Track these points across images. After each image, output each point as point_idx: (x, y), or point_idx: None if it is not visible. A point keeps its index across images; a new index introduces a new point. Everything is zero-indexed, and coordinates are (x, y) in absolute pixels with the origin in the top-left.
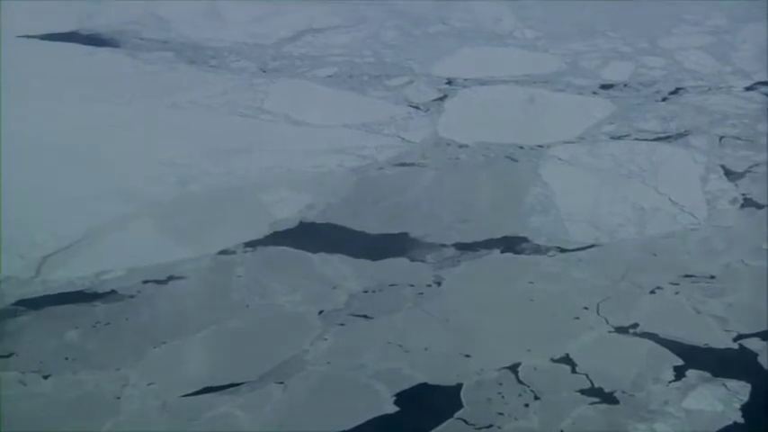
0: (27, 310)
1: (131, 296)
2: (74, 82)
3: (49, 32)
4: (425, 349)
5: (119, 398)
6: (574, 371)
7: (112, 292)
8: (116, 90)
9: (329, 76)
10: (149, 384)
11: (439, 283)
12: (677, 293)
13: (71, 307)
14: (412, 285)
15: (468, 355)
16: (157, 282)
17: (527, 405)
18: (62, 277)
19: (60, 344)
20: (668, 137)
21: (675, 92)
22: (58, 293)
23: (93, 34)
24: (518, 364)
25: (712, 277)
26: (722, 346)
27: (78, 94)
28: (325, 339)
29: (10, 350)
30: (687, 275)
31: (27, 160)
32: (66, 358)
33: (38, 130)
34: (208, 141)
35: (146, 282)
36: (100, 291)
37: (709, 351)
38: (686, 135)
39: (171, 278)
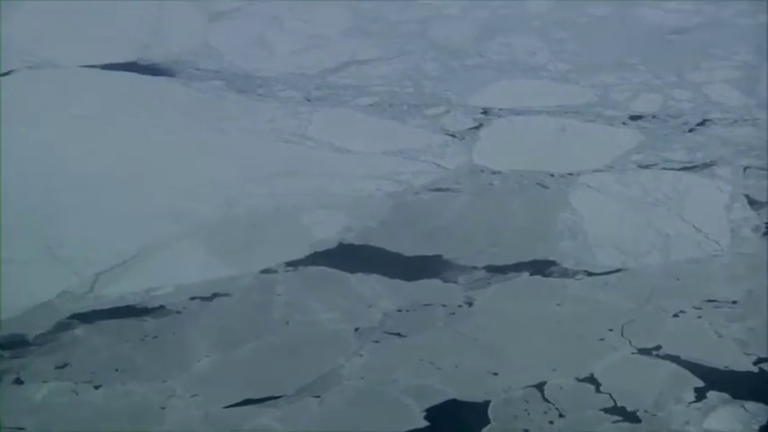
0: (80, 323)
1: (178, 312)
2: (130, 110)
3: (109, 62)
4: (455, 367)
5: (164, 408)
6: (598, 390)
7: (161, 307)
8: (169, 117)
9: (370, 105)
10: (193, 396)
11: (470, 304)
12: (700, 317)
13: (122, 321)
14: (444, 305)
15: (496, 373)
16: (203, 298)
17: (552, 422)
18: (114, 293)
19: (111, 356)
20: (694, 166)
21: (702, 123)
22: (110, 308)
23: (150, 64)
24: (544, 383)
25: (734, 302)
26: (742, 369)
27: (134, 121)
28: (361, 355)
29: (64, 361)
30: (710, 300)
31: (84, 183)
32: (117, 370)
33: (94, 155)
34: (254, 166)
35: (192, 298)
36: (149, 306)
37: (729, 373)
38: (712, 165)
39: (216, 295)
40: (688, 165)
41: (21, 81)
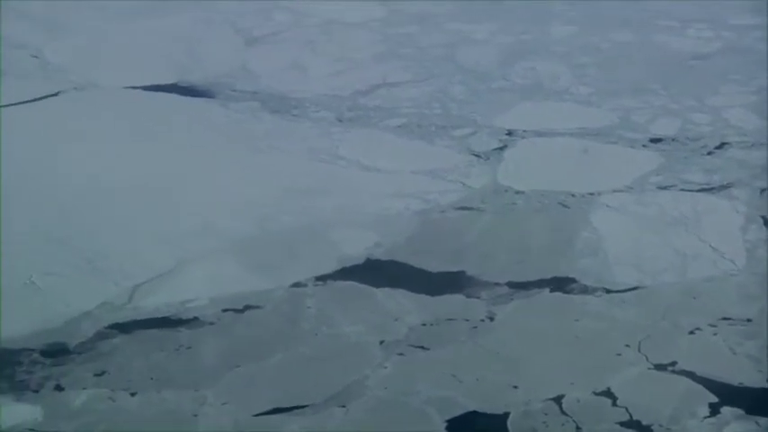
0: (118, 333)
1: (212, 323)
2: (170, 129)
3: (151, 84)
4: (477, 379)
5: (196, 415)
6: (614, 404)
7: (195, 318)
8: (207, 137)
9: (399, 126)
10: (224, 404)
11: (492, 319)
12: (715, 334)
13: (158, 331)
14: (467, 320)
15: (515, 386)
16: (235, 310)
17: None
18: (151, 304)
19: (147, 364)
20: (712, 188)
21: (720, 146)
22: (147, 319)
23: (190, 86)
24: (562, 396)
25: (749, 320)
26: (756, 386)
27: (173, 140)
28: (385, 367)
29: (102, 369)
30: (725, 318)
31: (125, 199)
32: (152, 378)
33: (135, 172)
34: (286, 184)
35: (225, 310)
36: (184, 317)
37: (743, 390)
38: (729, 187)
39: (248, 307)
40: (706, 186)
41: (67, 102)
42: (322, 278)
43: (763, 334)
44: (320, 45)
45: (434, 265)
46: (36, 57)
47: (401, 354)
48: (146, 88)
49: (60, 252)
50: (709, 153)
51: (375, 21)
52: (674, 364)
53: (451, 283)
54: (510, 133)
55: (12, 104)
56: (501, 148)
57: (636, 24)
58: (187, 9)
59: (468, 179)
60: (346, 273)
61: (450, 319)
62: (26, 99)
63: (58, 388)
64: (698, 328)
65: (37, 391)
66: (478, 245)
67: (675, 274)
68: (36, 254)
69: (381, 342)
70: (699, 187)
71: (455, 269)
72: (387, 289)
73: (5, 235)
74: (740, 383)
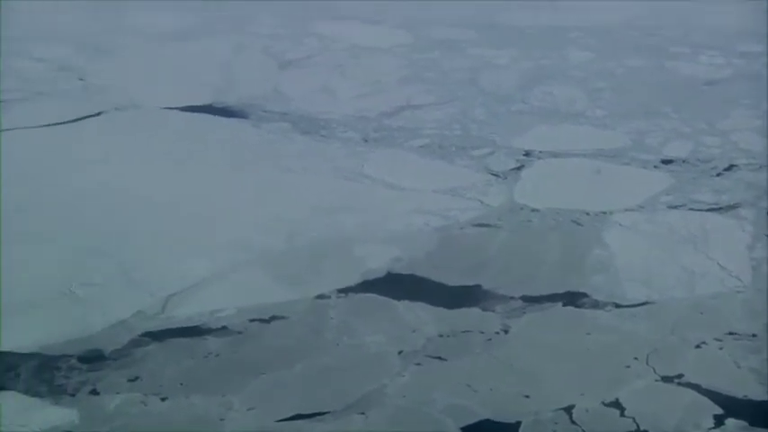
0: (151, 341)
1: (239, 332)
2: (204, 148)
3: (188, 105)
4: (490, 389)
5: (223, 420)
6: (622, 414)
7: (224, 328)
8: (239, 155)
9: (422, 147)
10: (249, 409)
11: (506, 331)
12: (721, 349)
13: (188, 340)
14: (482, 332)
15: (527, 396)
16: (262, 320)
17: None
18: (182, 314)
19: (177, 371)
20: (720, 208)
21: (729, 168)
22: (178, 327)
23: (225, 107)
24: (572, 406)
25: (754, 335)
26: (759, 399)
27: (207, 158)
28: (403, 376)
29: (135, 374)
30: (730, 333)
31: (161, 214)
32: (181, 384)
33: (171, 188)
34: (313, 200)
35: (252, 320)
36: (213, 327)
37: (747, 402)
38: (736, 207)
39: (273, 318)
40: (714, 206)
41: (108, 121)
42: (345, 290)
43: (766, 348)
44: (349, 69)
45: (452, 279)
46: (81, 79)
47: (419, 364)
48: (183, 109)
49: (99, 264)
50: (718, 174)
51: (401, 46)
52: (680, 376)
53: (468, 296)
54: (527, 154)
55: (56, 124)
56: (518, 168)
57: (649, 51)
58: (223, 33)
59: (486, 197)
60: (368, 286)
61: (467, 331)
62: (69, 119)
63: (94, 392)
64: (704, 343)
65: (74, 395)
66: (495, 260)
67: (683, 291)
68: (76, 266)
69: (400, 352)
70: (707, 207)
71: (472, 283)
72: (406, 301)
73: (49, 248)
74: (744, 396)
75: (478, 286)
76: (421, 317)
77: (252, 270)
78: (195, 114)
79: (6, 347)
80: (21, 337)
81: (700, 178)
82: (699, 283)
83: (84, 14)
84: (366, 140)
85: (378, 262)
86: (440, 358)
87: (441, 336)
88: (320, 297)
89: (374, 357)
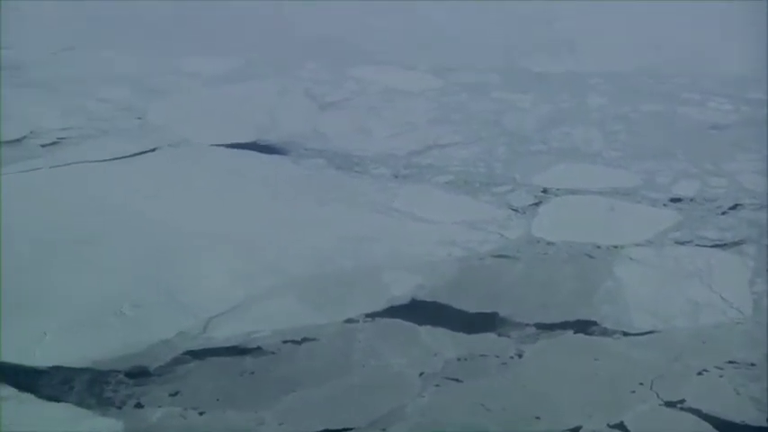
0: (192, 359)
1: (273, 352)
2: (247, 182)
3: (234, 142)
4: (504, 409)
5: None
6: None
7: (258, 348)
8: (278, 189)
9: (447, 183)
10: (280, 424)
11: (520, 356)
12: (721, 376)
13: (226, 359)
14: (497, 356)
15: (538, 417)
16: (294, 342)
17: None
18: (222, 335)
19: (215, 387)
20: (724, 244)
21: (734, 207)
22: (217, 347)
23: (267, 144)
24: (579, 427)
25: (753, 364)
26: (757, 424)
27: (249, 191)
28: (423, 397)
29: (176, 389)
30: (731, 361)
31: (206, 243)
32: (218, 399)
33: (215, 219)
34: (344, 231)
35: (285, 341)
36: (249, 347)
37: (744, 428)
38: (740, 244)
39: (305, 340)
40: (719, 243)
41: (162, 156)
42: (372, 315)
43: (766, 377)
44: (383, 111)
45: (471, 306)
46: (138, 118)
47: (438, 385)
48: (229, 146)
49: (148, 287)
50: (723, 213)
51: (432, 90)
52: (682, 401)
53: (486, 322)
54: (545, 191)
55: (115, 159)
56: (536, 204)
57: (662, 97)
58: (269, 77)
59: (505, 230)
60: (393, 311)
61: (483, 355)
62: (128, 154)
63: (138, 405)
64: (706, 370)
65: (120, 408)
66: (511, 289)
67: (688, 321)
68: (127, 288)
69: (421, 374)
70: (712, 243)
71: (489, 310)
72: (428, 326)
73: (104, 272)
74: (742, 421)
75: (495, 313)
76: (441, 341)
77: (285, 295)
78: (240, 151)
79: (62, 362)
80: (75, 353)
81: (706, 216)
82: (702, 313)
83: (143, 59)
84: (396, 176)
85: (403, 289)
86: (457, 380)
87: (459, 359)
88: (349, 321)
89: (397, 378)
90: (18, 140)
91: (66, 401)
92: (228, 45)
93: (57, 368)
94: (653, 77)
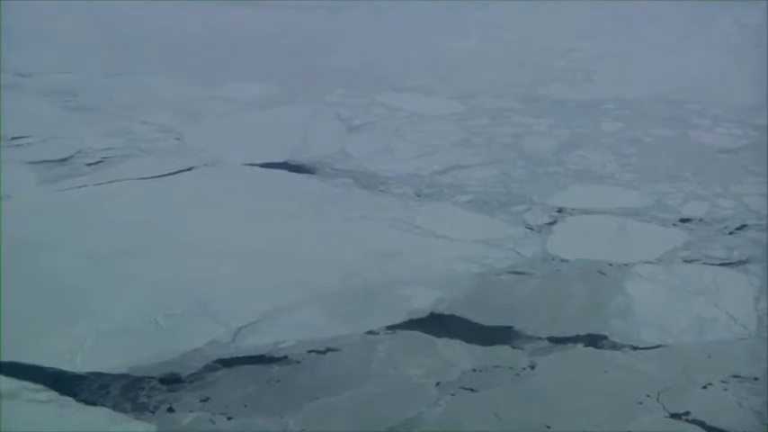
0: (222, 367)
1: (298, 362)
2: (277, 199)
3: (266, 162)
4: (515, 418)
5: None
6: None
7: (285, 357)
8: (306, 206)
9: (467, 202)
10: (303, 430)
11: (532, 367)
12: (725, 390)
13: (254, 367)
14: (511, 367)
15: (548, 426)
16: (318, 352)
17: None
18: (250, 344)
19: (243, 394)
20: (731, 263)
21: (741, 228)
22: (246, 356)
23: (298, 164)
24: None
25: (756, 379)
26: None
27: (279, 209)
28: (439, 405)
29: (206, 396)
30: (735, 376)
31: (235, 257)
32: (245, 405)
33: (246, 235)
34: (368, 247)
35: (310, 351)
36: (276, 356)
37: None
38: (746, 263)
39: (328, 350)
40: (725, 261)
41: (198, 175)
42: (392, 327)
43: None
44: (407, 133)
45: (487, 319)
46: (177, 139)
47: (453, 394)
48: (261, 165)
49: (181, 298)
50: (730, 233)
51: (454, 114)
52: (687, 413)
53: (500, 335)
54: (560, 210)
55: (154, 177)
56: (551, 223)
57: (674, 122)
58: (301, 102)
59: (521, 248)
60: (413, 324)
61: (497, 366)
62: (166, 173)
63: (170, 410)
64: (710, 384)
65: (153, 412)
66: (526, 304)
67: (694, 336)
68: (162, 299)
69: (438, 384)
70: (719, 262)
71: (504, 324)
72: (446, 338)
73: (140, 285)
74: None
75: (510, 327)
76: (458, 352)
77: (310, 308)
78: (272, 170)
79: (100, 368)
80: (112, 360)
81: (714, 236)
82: (708, 329)
83: (183, 84)
84: (418, 195)
85: (422, 303)
86: (472, 390)
87: (474, 370)
88: (370, 333)
89: (415, 387)
90: (66, 159)
91: (102, 405)
92: (263, 71)
93: (95, 374)
94: (665, 104)
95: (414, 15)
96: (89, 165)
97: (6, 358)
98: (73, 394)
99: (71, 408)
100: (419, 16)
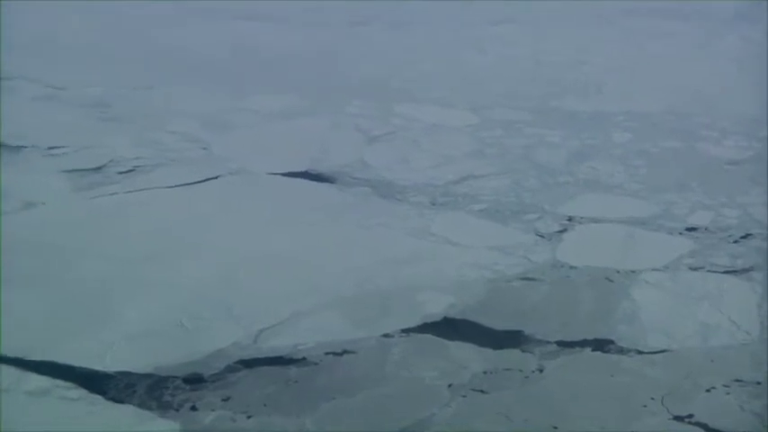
0: (243, 367)
1: (316, 363)
2: (298, 207)
3: (288, 171)
4: (525, 420)
5: None
6: None
7: (303, 359)
8: (325, 214)
9: (480, 210)
10: (319, 429)
11: (541, 371)
12: (728, 393)
13: (273, 368)
14: (520, 370)
15: (555, 427)
16: (335, 354)
17: None
18: (270, 346)
19: (262, 394)
20: (735, 271)
21: (745, 236)
22: (266, 357)
23: (318, 174)
24: None
25: (758, 383)
26: None
27: (298, 216)
28: (450, 407)
29: (228, 395)
30: (737, 380)
31: (257, 264)
32: (265, 405)
33: (267, 242)
34: (384, 253)
35: (327, 353)
36: (294, 358)
37: None
38: (750, 270)
39: (345, 352)
40: (730, 269)
41: (224, 183)
42: (406, 331)
43: None
44: (424, 144)
45: (498, 324)
46: (204, 148)
47: (464, 396)
48: (284, 174)
49: (205, 302)
50: (735, 242)
51: (469, 126)
52: (690, 416)
53: (511, 339)
54: (570, 219)
55: (181, 185)
56: (561, 231)
57: (682, 134)
58: (322, 114)
59: (532, 255)
60: (426, 327)
61: (507, 369)
62: (192, 181)
63: (193, 408)
64: (713, 387)
65: (177, 410)
66: (536, 309)
67: (698, 341)
68: (187, 303)
69: (449, 385)
70: (724, 269)
71: (515, 328)
72: (458, 342)
73: (167, 288)
74: None
75: (520, 331)
76: (469, 355)
77: (328, 312)
78: (293, 179)
79: (127, 368)
80: (139, 360)
81: (719, 244)
82: (712, 335)
83: (210, 96)
84: (434, 204)
85: (436, 307)
86: (482, 391)
87: (485, 372)
88: (385, 336)
89: (427, 389)
90: (99, 168)
91: (129, 403)
92: (286, 84)
93: (123, 373)
94: (674, 116)
95: (431, 31)
96: (120, 173)
97: (40, 358)
98: (102, 392)
99: (100, 405)
100: (436, 32)
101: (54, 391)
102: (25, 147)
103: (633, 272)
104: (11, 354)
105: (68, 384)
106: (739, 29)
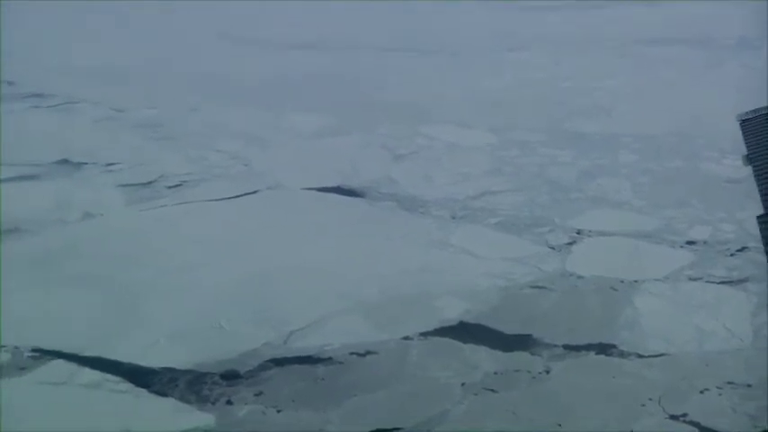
0: (274, 366)
1: (341, 363)
2: (329, 220)
3: (321, 186)
4: (531, 417)
5: (322, 430)
6: None
7: (329, 358)
8: (353, 226)
9: (497, 224)
10: (343, 422)
11: (548, 372)
12: (720, 395)
13: (302, 366)
14: (529, 371)
15: (560, 425)
16: (358, 354)
17: None
18: (299, 346)
19: (292, 390)
20: (731, 282)
21: (741, 250)
22: (295, 356)
23: (348, 189)
24: None
25: (749, 385)
26: None
27: (328, 227)
28: (463, 404)
29: (260, 391)
30: (730, 383)
31: (289, 272)
32: (293, 400)
33: (299, 252)
34: (406, 263)
35: (351, 354)
36: (322, 357)
37: None
38: (745, 281)
39: (368, 353)
40: (726, 280)
41: (261, 198)
42: (425, 334)
43: (760, 397)
44: (445, 162)
45: (509, 328)
46: (245, 165)
47: (476, 394)
48: (317, 189)
49: (241, 306)
50: (731, 254)
51: (488, 145)
52: (685, 415)
53: (521, 342)
54: (579, 232)
55: (224, 199)
56: (571, 243)
57: (684, 154)
58: (353, 133)
59: (543, 265)
60: (443, 331)
61: (517, 370)
62: (233, 195)
63: (229, 402)
64: (707, 389)
65: (213, 404)
66: (545, 315)
67: (695, 346)
68: (226, 307)
69: (463, 384)
70: (721, 280)
71: (525, 332)
72: (472, 344)
73: (208, 292)
74: None
75: (530, 335)
76: (482, 357)
77: (353, 316)
78: (326, 194)
79: (169, 365)
80: (181, 357)
81: (716, 257)
82: (708, 340)
83: (252, 117)
84: (454, 217)
85: (452, 313)
86: (493, 390)
87: (496, 373)
88: (405, 338)
89: (442, 387)
90: (150, 183)
91: (171, 396)
92: (320, 106)
93: (166, 369)
94: (677, 137)
95: (454, 57)
96: (169, 188)
97: (92, 354)
98: (146, 386)
99: (144, 398)
100: (458, 58)
101: (104, 384)
102: (86, 163)
103: (636, 282)
104: (67, 350)
105: (117, 378)
106: (741, 56)
